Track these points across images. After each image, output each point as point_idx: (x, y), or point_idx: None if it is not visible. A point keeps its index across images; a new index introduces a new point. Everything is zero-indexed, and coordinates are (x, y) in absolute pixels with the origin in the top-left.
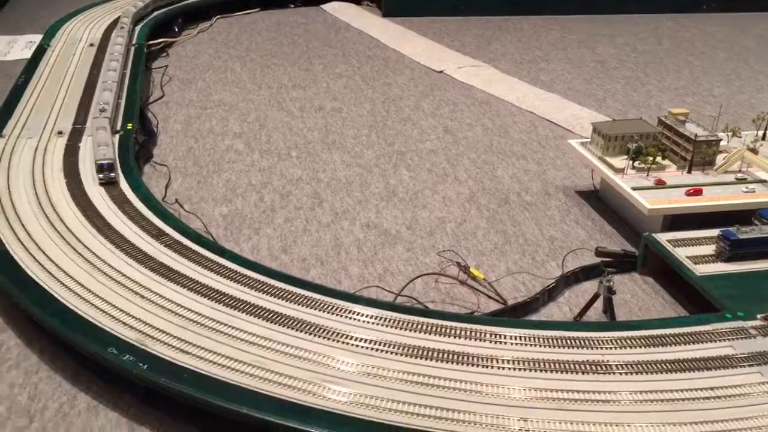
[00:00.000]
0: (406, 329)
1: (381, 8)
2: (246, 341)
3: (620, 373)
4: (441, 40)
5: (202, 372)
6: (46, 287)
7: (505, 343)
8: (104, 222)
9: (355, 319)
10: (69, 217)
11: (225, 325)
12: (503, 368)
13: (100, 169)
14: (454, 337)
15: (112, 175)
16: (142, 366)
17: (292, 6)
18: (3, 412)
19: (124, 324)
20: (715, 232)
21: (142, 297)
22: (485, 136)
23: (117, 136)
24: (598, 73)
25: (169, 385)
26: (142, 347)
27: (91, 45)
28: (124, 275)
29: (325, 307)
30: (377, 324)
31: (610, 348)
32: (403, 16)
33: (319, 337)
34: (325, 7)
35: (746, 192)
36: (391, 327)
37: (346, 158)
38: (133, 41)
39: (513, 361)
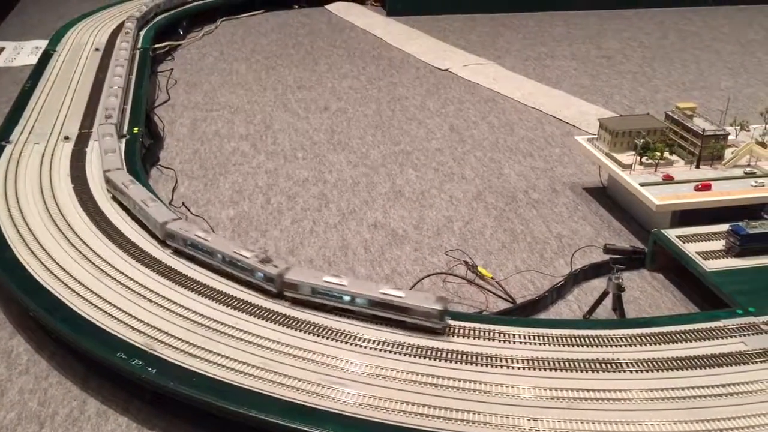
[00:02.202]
0: (414, 330)
1: (385, 7)
2: (254, 344)
3: (631, 371)
4: (446, 39)
5: (210, 375)
6: (55, 292)
7: (515, 342)
8: (111, 226)
9: (362, 320)
10: (76, 222)
11: (232, 327)
12: (513, 368)
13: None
14: (463, 337)
15: (449, 319)
16: (151, 370)
17: (297, 7)
18: (13, 418)
19: (132, 328)
20: (724, 227)
21: (150, 301)
22: (491, 134)
23: (123, 140)
24: (605, 69)
25: (177, 388)
26: (151, 351)
27: (97, 50)
28: (131, 279)
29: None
30: (385, 325)
31: (620, 345)
32: (408, 15)
33: (327, 338)
34: (330, 7)
35: (755, 186)
36: (399, 327)
37: (352, 158)
38: (138, 45)
39: (522, 361)
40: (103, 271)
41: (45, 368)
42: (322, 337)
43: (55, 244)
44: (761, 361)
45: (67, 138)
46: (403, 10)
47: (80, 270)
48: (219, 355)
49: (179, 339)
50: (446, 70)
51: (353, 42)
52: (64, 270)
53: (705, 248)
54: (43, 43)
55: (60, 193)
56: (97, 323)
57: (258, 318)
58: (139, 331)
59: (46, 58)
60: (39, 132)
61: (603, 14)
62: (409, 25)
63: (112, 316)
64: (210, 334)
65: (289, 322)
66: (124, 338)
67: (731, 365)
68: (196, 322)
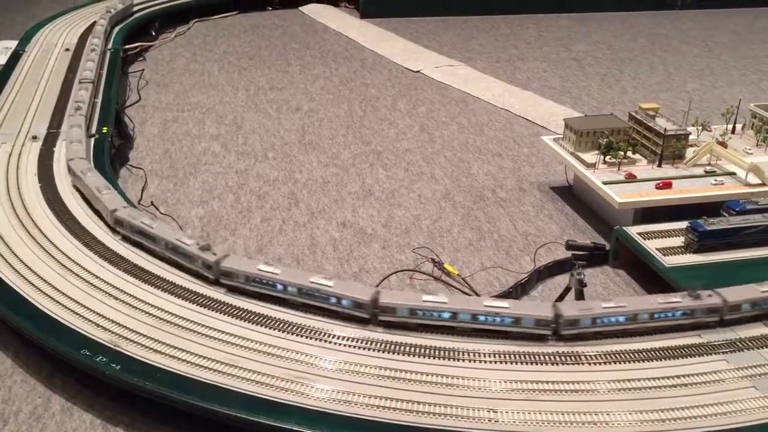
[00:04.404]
0: (381, 326)
1: (359, 9)
2: (220, 340)
3: (592, 363)
4: (418, 41)
5: (175, 371)
6: (20, 290)
7: (480, 337)
8: (78, 225)
9: (330, 317)
10: (43, 221)
11: (199, 324)
12: (481, 361)
13: None
14: (429, 332)
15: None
16: (115, 367)
17: (271, 8)
18: None
19: (97, 326)
20: (684, 224)
21: (116, 298)
22: (461, 134)
23: (92, 139)
24: (574, 71)
25: (141, 384)
26: (115, 348)
27: (67, 50)
28: (97, 277)
29: (301, 305)
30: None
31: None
32: (381, 17)
33: (295, 335)
34: (304, 9)
35: (715, 184)
36: (367, 324)
37: (322, 158)
38: (110, 45)
39: (489, 355)
40: (69, 269)
41: (9, 366)
42: (291, 334)
43: (20, 242)
44: (716, 353)
45: (35, 138)
46: (376, 12)
47: (46, 268)
48: (185, 351)
49: (145, 336)
50: (418, 71)
51: (326, 43)
52: (29, 268)
53: (665, 245)
54: (12, 44)
55: (26, 192)
56: (61, 320)
57: (225, 315)
58: (104, 329)
59: (15, 58)
60: (7, 132)
61: (574, 17)
62: (382, 27)
63: (77, 314)
64: (176, 331)
65: (257, 319)
66: (88, 335)
67: (688, 357)
68: (162, 319)
